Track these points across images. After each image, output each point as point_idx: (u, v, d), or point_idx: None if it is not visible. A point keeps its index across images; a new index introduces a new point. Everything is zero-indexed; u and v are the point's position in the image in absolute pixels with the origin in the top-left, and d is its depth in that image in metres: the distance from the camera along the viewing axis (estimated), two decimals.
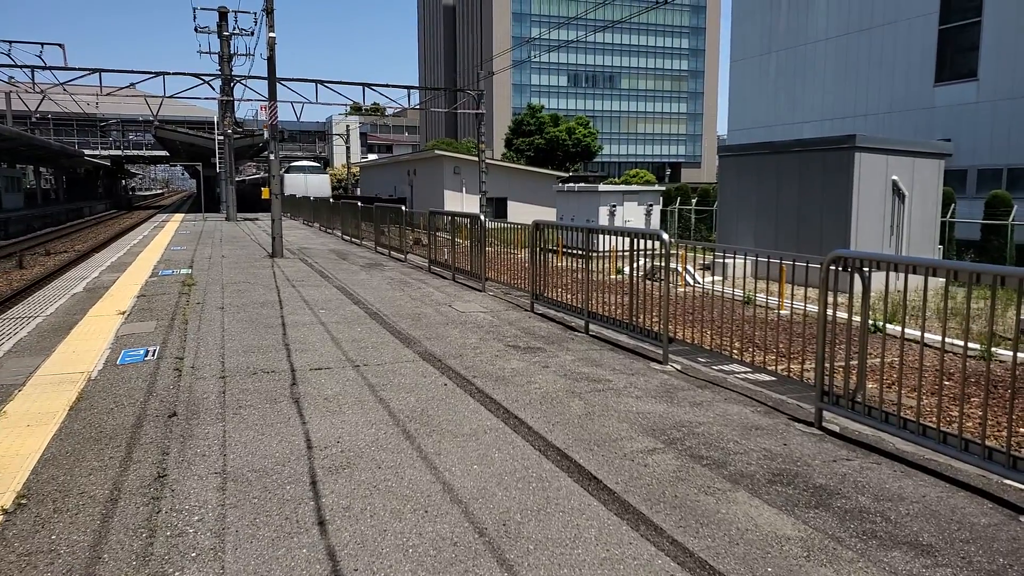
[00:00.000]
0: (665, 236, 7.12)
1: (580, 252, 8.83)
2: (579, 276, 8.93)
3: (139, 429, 5.12)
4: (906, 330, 6.87)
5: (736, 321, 9.13)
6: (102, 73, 28.74)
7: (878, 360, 7.81)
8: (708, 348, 7.60)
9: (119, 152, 70.50)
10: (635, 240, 7.82)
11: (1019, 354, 4.57)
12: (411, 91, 34.95)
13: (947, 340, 8.63)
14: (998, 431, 8.14)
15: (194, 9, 32.55)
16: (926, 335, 5.38)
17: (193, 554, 3.40)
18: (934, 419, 4.64)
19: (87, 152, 64.82)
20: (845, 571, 3.28)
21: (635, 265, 7.92)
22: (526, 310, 10.11)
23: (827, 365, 5.25)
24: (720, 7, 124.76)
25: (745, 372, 7.07)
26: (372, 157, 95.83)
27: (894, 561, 3.37)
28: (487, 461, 4.57)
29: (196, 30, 33.99)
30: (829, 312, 5.20)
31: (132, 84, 30.56)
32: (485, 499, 4.01)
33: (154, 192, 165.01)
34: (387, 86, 33.14)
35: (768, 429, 5.24)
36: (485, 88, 39.09)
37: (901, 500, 4.04)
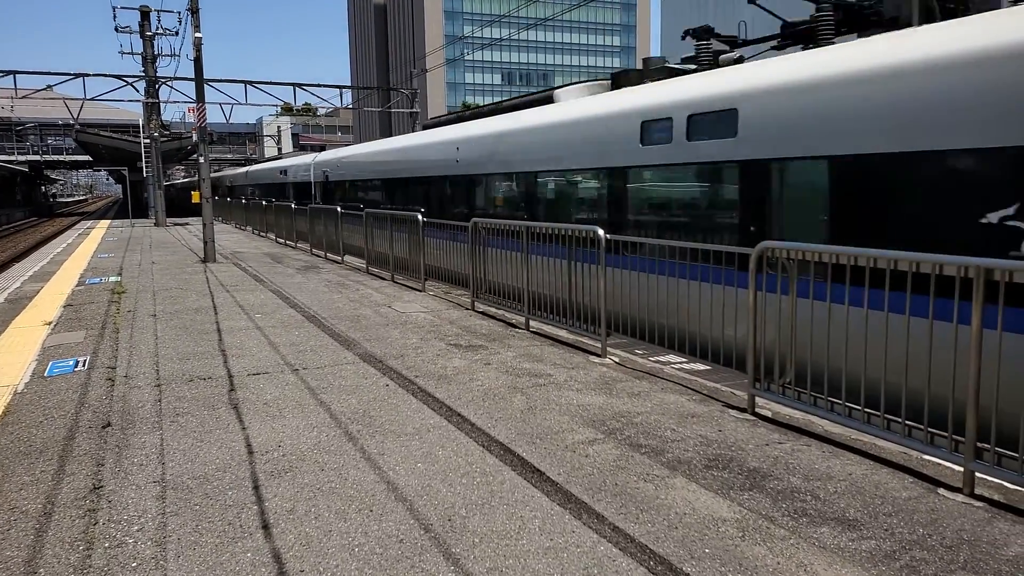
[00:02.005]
0: (601, 232, 7.24)
1: (519, 249, 8.90)
2: (519, 273, 9.00)
3: (71, 441, 4.99)
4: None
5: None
6: (16, 75, 27.73)
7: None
8: (645, 339, 7.75)
9: (38, 157, 67.67)
10: (573, 236, 7.93)
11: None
12: (343, 91, 34.65)
13: None
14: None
15: (114, 8, 31.46)
16: None
17: (134, 564, 3.35)
18: (859, 401, 4.84)
19: (2, 158, 62.18)
20: (778, 548, 3.42)
21: (572, 262, 8.04)
22: (467, 309, 10.15)
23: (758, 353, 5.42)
24: (650, 5, 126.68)
25: (681, 362, 7.25)
26: None
27: (823, 536, 3.53)
28: (431, 459, 4.60)
29: (117, 30, 32.87)
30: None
31: (50, 86, 29.57)
32: (430, 496, 4.05)
33: (77, 198, 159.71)
34: (318, 86, 32.82)
35: (704, 416, 5.40)
36: (419, 87, 38.97)
37: (829, 479, 4.22)
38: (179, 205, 47.80)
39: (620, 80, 10.72)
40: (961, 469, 4.03)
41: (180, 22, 34.35)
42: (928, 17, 7.34)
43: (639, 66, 11.18)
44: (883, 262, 4.47)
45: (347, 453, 4.71)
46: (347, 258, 16.85)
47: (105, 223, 37.88)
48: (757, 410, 5.46)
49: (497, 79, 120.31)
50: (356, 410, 5.61)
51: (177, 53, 42.33)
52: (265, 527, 3.69)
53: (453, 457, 4.63)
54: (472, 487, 4.16)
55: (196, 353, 7.60)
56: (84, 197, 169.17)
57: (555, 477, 4.29)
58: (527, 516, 3.79)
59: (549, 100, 12.01)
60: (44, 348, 7.92)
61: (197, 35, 16.53)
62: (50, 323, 9.33)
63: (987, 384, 3.97)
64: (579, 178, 10.22)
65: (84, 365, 7.14)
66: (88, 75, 28.76)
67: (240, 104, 32.87)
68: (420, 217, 11.92)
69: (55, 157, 68.83)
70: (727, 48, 10.03)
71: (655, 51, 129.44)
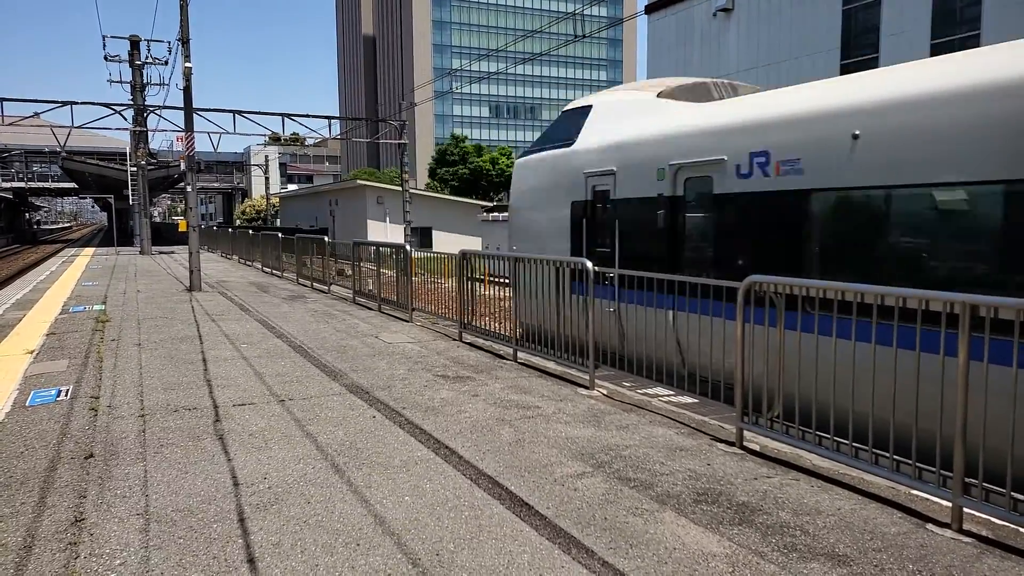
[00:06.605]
0: (589, 264, 7.28)
1: (507, 280, 8.92)
2: (506, 304, 9.01)
3: (53, 472, 4.92)
4: None
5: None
6: (4, 102, 27.70)
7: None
8: (632, 372, 7.75)
9: (23, 184, 67.40)
10: (560, 268, 7.96)
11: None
12: (332, 121, 34.77)
13: None
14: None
15: (103, 37, 31.45)
16: None
17: None
18: (847, 435, 4.84)
19: None
20: None
21: (561, 292, 8.05)
22: (454, 339, 10.13)
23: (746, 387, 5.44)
24: (636, 41, 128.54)
25: (669, 395, 7.25)
26: (292, 187, 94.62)
27: (813, 572, 3.51)
28: (419, 492, 4.56)
29: (106, 59, 32.99)
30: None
31: (37, 113, 29.41)
32: (418, 530, 4.01)
33: (62, 225, 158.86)
34: (307, 116, 32.82)
35: (692, 450, 5.39)
36: (407, 118, 39.20)
37: (818, 513, 4.21)
38: (165, 233, 47.63)
39: None
40: (950, 504, 4.03)
41: (170, 51, 34.49)
42: None
43: None
44: (870, 297, 4.51)
45: (334, 486, 4.67)
46: (333, 288, 16.80)
47: (90, 251, 37.66)
48: (745, 443, 5.46)
49: (485, 111, 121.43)
50: (343, 442, 5.57)
51: (166, 82, 42.63)
52: (251, 561, 3.63)
53: (441, 490, 4.59)
54: (460, 521, 4.12)
55: (181, 383, 7.53)
56: (68, 224, 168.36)
57: (544, 511, 4.25)
58: (516, 551, 3.75)
59: None
60: (26, 377, 7.82)
61: (187, 65, 16.59)
62: (32, 352, 9.23)
63: (975, 418, 3.99)
64: None
65: (67, 395, 7.05)
66: (76, 103, 28.68)
67: (228, 133, 32.89)
68: (408, 248, 11.94)
69: (40, 184, 68.57)
70: None
71: None
